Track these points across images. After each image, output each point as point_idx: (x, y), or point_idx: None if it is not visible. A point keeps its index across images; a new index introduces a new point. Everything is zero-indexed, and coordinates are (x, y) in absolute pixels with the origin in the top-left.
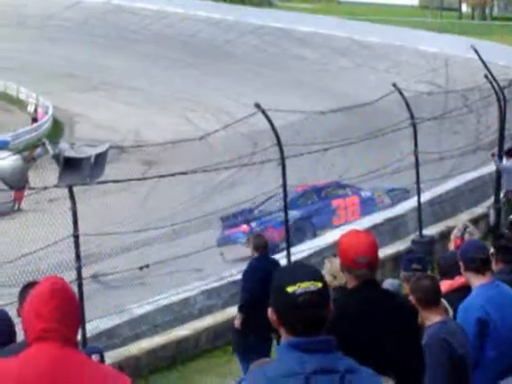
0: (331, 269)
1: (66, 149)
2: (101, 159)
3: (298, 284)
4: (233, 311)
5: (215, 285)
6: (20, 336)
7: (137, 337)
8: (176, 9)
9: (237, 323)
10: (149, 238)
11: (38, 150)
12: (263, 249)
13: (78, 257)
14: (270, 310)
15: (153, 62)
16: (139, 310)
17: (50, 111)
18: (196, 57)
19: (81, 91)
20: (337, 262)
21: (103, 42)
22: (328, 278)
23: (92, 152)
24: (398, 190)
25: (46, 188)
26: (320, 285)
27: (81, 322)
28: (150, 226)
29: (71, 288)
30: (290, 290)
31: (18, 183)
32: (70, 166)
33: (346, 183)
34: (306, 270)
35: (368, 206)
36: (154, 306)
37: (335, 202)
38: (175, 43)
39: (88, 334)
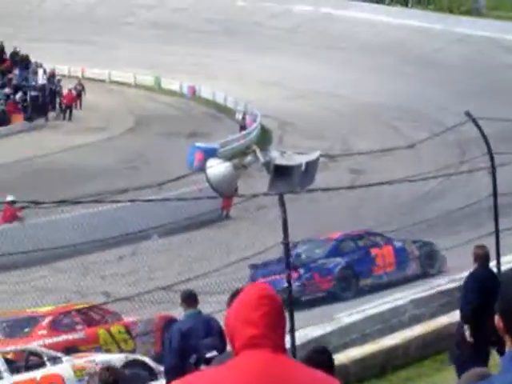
0: None
1: (276, 156)
2: (311, 167)
3: None
4: (442, 321)
5: (424, 294)
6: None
7: (345, 345)
8: (384, 17)
9: (468, 335)
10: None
11: (249, 158)
12: (484, 260)
13: (287, 264)
14: (496, 317)
15: (360, 71)
16: (348, 319)
17: (258, 119)
18: (403, 65)
19: (288, 99)
20: None
21: (311, 50)
22: None
23: (302, 160)
24: (421, 242)
25: (255, 196)
26: None
27: (290, 329)
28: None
29: (277, 295)
30: None
31: (227, 191)
32: (280, 173)
33: (376, 232)
34: None
35: (401, 256)
36: (363, 315)
37: (374, 251)
38: (383, 52)
39: (297, 342)
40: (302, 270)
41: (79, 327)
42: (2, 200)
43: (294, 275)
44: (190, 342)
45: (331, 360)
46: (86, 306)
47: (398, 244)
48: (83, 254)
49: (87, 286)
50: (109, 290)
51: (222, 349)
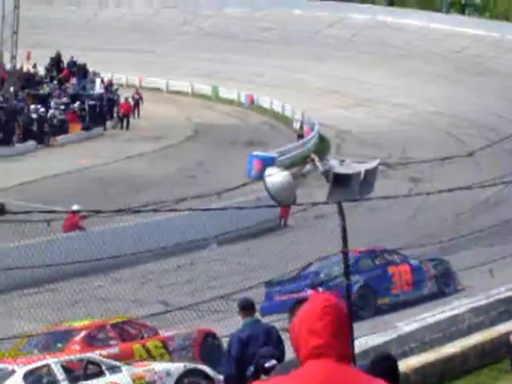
0: None
1: (335, 165)
2: (370, 176)
3: None
4: (500, 329)
5: (483, 302)
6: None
7: (404, 354)
8: (441, 25)
9: None
10: (415, 254)
11: (308, 167)
12: None
13: (347, 274)
14: None
15: (417, 79)
16: (407, 328)
17: (316, 128)
18: (460, 73)
19: (345, 108)
20: None
21: (368, 58)
22: None
23: (361, 168)
24: (436, 260)
25: (314, 204)
26: None
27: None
28: (417, 242)
29: (342, 304)
30: None
31: (286, 199)
32: (339, 182)
33: (393, 249)
34: None
35: (418, 275)
36: (421, 324)
37: (391, 269)
38: (439, 59)
39: (356, 350)
40: (320, 289)
41: (113, 342)
42: (61, 209)
43: (312, 294)
44: (249, 350)
45: (396, 367)
46: (121, 320)
47: (415, 263)
48: (141, 264)
49: (145, 295)
50: (167, 300)
51: (280, 358)
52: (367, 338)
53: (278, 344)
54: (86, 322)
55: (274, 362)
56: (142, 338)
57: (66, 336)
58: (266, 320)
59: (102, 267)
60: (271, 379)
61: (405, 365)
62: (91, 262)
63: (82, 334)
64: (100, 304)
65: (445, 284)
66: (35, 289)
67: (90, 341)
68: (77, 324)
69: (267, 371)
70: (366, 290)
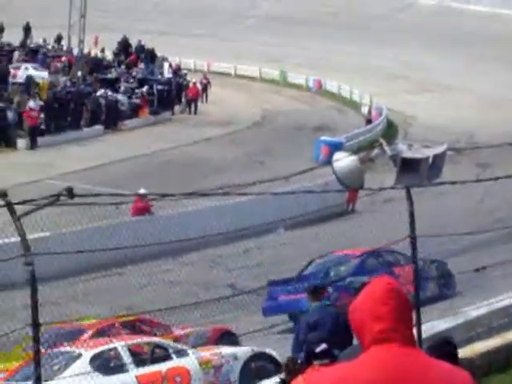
0: None
1: (403, 150)
2: (438, 160)
3: None
4: None
5: None
6: None
7: (471, 339)
8: (508, 10)
9: None
10: (482, 240)
11: (376, 151)
12: None
13: (414, 258)
14: None
15: (486, 64)
16: (475, 313)
17: (384, 113)
18: None
19: (413, 93)
20: None
21: (435, 43)
22: None
23: (430, 153)
24: (438, 262)
25: (382, 189)
26: None
27: (417, 323)
28: (485, 228)
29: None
30: None
31: (354, 184)
32: (407, 166)
33: (396, 250)
34: None
35: (421, 277)
36: (489, 309)
37: (396, 270)
38: (509, 44)
39: (423, 335)
40: (330, 289)
41: None
42: (129, 193)
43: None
44: (317, 334)
45: (456, 352)
46: (132, 318)
47: (420, 264)
48: (210, 247)
49: (213, 278)
50: (235, 283)
51: (349, 343)
52: (434, 323)
53: (347, 330)
54: (94, 320)
55: (324, 346)
56: (155, 336)
57: (72, 335)
58: (268, 320)
59: (171, 251)
60: (337, 365)
61: (471, 350)
62: (159, 245)
63: (89, 332)
64: (168, 288)
65: (445, 286)
66: (103, 272)
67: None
68: (86, 322)
69: (318, 356)
70: None
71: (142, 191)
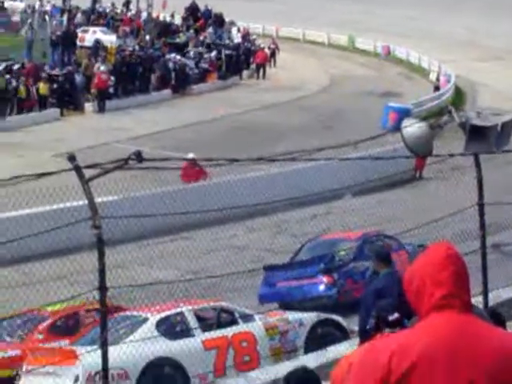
0: None
1: (472, 117)
2: (507, 128)
3: None
4: None
5: None
6: None
7: None
8: None
9: None
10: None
11: (445, 118)
12: None
13: (482, 226)
14: None
15: None
16: None
17: (453, 80)
18: None
19: (482, 60)
20: None
21: (504, 10)
22: None
23: (498, 121)
24: (424, 246)
25: (451, 156)
26: None
27: (483, 291)
28: None
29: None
30: None
31: (423, 151)
32: (476, 134)
33: (390, 235)
34: None
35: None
36: None
37: (393, 256)
38: None
39: (490, 303)
40: (336, 275)
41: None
42: (197, 157)
43: (329, 280)
44: (389, 301)
45: (504, 324)
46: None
47: (409, 248)
48: (276, 213)
49: (279, 244)
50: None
51: (408, 312)
52: (501, 290)
53: None
54: (57, 307)
55: (396, 315)
56: None
57: (33, 323)
58: (265, 308)
59: (237, 216)
60: (398, 333)
61: None
62: (226, 210)
63: (48, 322)
64: (235, 252)
65: None
66: (170, 237)
67: (56, 330)
68: (49, 309)
69: (391, 325)
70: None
71: (191, 156)
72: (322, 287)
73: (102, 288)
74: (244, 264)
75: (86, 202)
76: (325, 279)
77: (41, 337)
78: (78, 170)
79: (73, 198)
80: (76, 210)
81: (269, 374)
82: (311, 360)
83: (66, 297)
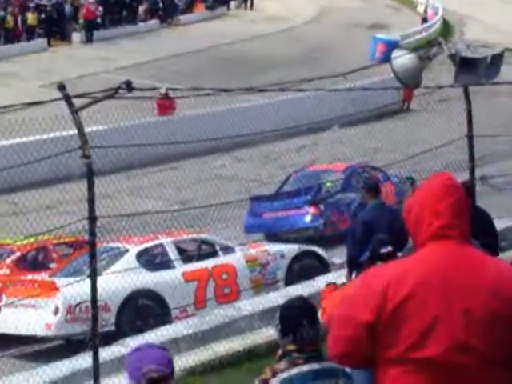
0: None
1: (462, 49)
2: (497, 60)
3: None
4: None
5: None
6: None
7: None
8: None
9: None
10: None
11: (434, 49)
12: None
13: (471, 158)
14: None
15: None
16: None
17: (440, 12)
18: None
19: None
20: None
21: None
22: None
23: (488, 53)
24: (411, 179)
25: (440, 87)
26: None
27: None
28: None
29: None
30: None
31: (412, 82)
32: (466, 65)
33: (377, 166)
34: None
35: (399, 195)
36: None
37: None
38: None
39: None
40: (322, 206)
41: (54, 265)
42: (185, 88)
43: (315, 211)
44: (373, 232)
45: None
46: (69, 239)
47: (396, 180)
48: (265, 143)
49: (267, 174)
50: None
51: (401, 244)
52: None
53: (401, 228)
54: (25, 241)
55: (389, 248)
56: None
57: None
58: (250, 238)
59: (226, 147)
60: (395, 261)
61: None
62: (214, 141)
63: (14, 256)
64: (223, 183)
65: None
66: (159, 167)
67: (24, 264)
68: (17, 243)
69: (382, 257)
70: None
71: (164, 90)
72: (308, 218)
73: (92, 218)
74: (232, 194)
75: (76, 131)
76: (311, 210)
77: (8, 271)
78: (67, 99)
79: (62, 128)
80: (65, 140)
81: (257, 304)
82: (300, 290)
83: (55, 226)
